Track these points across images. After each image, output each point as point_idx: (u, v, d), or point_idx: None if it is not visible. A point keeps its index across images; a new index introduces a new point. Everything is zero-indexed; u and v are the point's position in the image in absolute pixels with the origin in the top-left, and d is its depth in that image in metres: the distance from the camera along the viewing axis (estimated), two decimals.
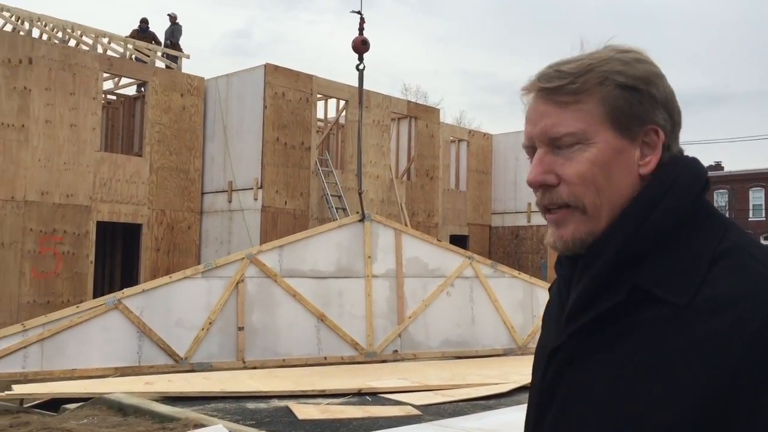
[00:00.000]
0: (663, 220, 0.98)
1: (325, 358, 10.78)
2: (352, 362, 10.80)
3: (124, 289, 9.97)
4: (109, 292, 12.72)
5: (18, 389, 7.69)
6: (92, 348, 9.22)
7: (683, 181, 1.01)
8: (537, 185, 1.03)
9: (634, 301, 0.96)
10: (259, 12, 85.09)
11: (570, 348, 1.01)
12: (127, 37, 17.41)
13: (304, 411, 7.04)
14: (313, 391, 8.06)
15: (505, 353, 12.19)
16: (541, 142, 1.02)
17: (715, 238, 0.97)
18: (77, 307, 9.44)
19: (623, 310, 0.96)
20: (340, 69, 34.75)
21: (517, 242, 21.62)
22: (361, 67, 12.64)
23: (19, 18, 15.60)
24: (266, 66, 15.79)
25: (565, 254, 1.05)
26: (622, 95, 0.99)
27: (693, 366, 0.88)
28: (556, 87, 1.01)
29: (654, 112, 1.01)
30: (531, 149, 1.06)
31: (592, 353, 0.98)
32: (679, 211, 0.99)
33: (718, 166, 47.07)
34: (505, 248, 21.69)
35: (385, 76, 65.57)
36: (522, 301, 12.63)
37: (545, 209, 1.04)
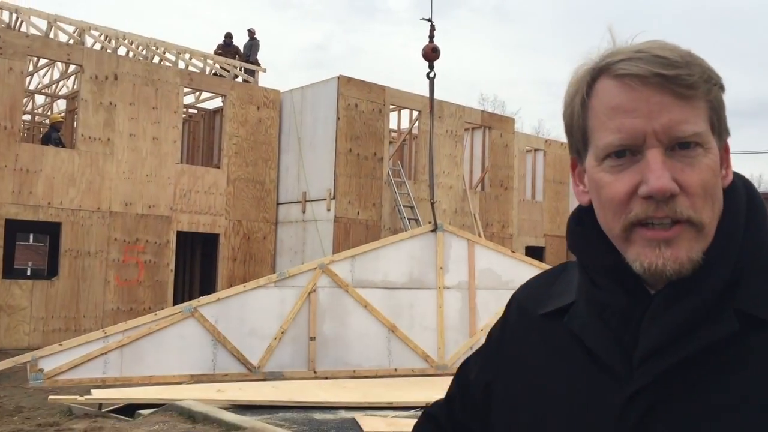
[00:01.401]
0: (759, 242, 0.88)
1: (396, 369, 10.72)
2: (423, 375, 10.70)
3: (200, 298, 10.21)
4: (189, 300, 13.09)
5: (96, 394, 7.96)
6: (169, 355, 9.45)
7: (759, 196, 0.91)
8: (666, 194, 0.83)
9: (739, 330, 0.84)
10: (336, 25, 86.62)
11: (659, 389, 0.85)
12: (215, 51, 18.06)
13: (370, 423, 6.99)
14: (380, 403, 8.01)
15: None
16: (659, 141, 0.84)
17: None
18: (155, 314, 9.72)
19: (724, 342, 0.84)
20: (416, 79, 34.82)
21: None
22: (431, 75, 12.55)
23: (107, 36, 16.33)
24: (339, 78, 15.96)
25: (669, 279, 0.86)
26: (721, 99, 0.88)
27: None
28: (676, 76, 0.84)
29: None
30: (621, 150, 0.87)
31: (689, 392, 0.84)
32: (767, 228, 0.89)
33: None
34: None
35: (462, 86, 65.38)
36: None
37: (640, 224, 0.86)
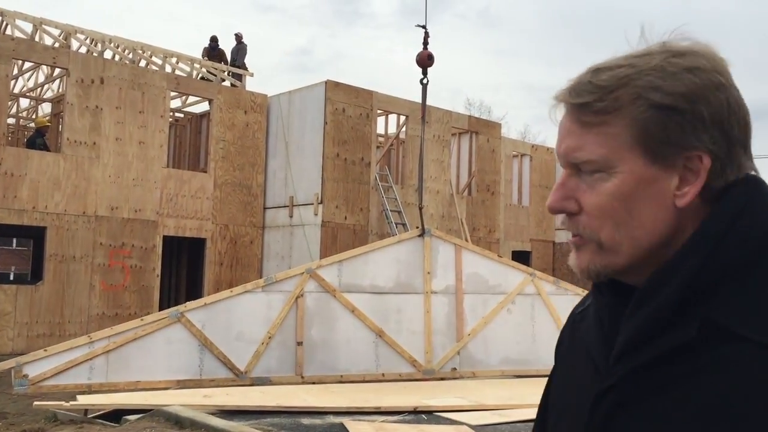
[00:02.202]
0: (738, 249, 0.85)
1: (383, 374, 10.72)
2: (410, 379, 10.71)
3: (187, 303, 10.16)
4: (175, 305, 13.02)
5: (82, 400, 7.90)
6: (156, 360, 9.40)
7: (758, 204, 0.88)
8: (554, 212, 0.94)
9: (703, 337, 0.84)
10: (320, 29, 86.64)
11: (623, 389, 0.88)
12: (202, 53, 18.05)
13: (358, 428, 6.99)
14: (368, 408, 8.00)
15: None
16: (565, 163, 0.93)
17: None
18: (142, 319, 9.66)
19: (689, 348, 0.84)
20: (400, 84, 34.91)
21: None
22: (425, 81, 12.58)
23: (93, 40, 16.25)
24: (327, 82, 15.97)
25: (600, 280, 0.95)
26: (654, 117, 0.86)
27: None
28: (584, 104, 0.89)
29: (699, 135, 0.86)
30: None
31: (650, 396, 0.86)
32: (756, 238, 0.86)
33: None
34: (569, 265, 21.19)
35: (447, 91, 65.52)
36: None
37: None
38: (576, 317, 1.09)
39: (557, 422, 1.03)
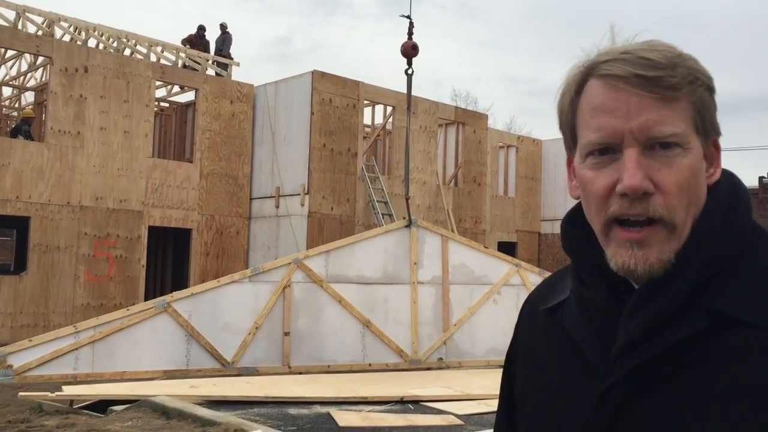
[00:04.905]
0: (733, 243, 0.89)
1: (370, 364, 10.76)
2: (397, 369, 10.75)
3: (173, 293, 10.13)
4: (160, 296, 12.97)
5: (68, 390, 7.86)
6: (142, 350, 9.38)
7: (744, 194, 0.92)
8: (639, 192, 0.86)
9: (708, 327, 0.86)
10: (299, 19, 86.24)
11: (629, 385, 0.88)
12: (182, 40, 17.87)
13: (345, 418, 7.02)
14: (355, 398, 8.03)
15: None
16: (636, 141, 0.87)
17: None
18: (128, 309, 9.62)
19: (695, 338, 0.86)
20: (382, 74, 34.76)
21: None
22: (410, 71, 12.58)
23: (77, 28, 16.07)
24: (313, 73, 15.91)
25: (642, 278, 0.89)
26: (709, 98, 0.90)
27: None
28: (656, 77, 0.86)
29: (717, 120, 0.93)
30: (603, 147, 0.90)
31: (659, 388, 0.87)
32: (749, 226, 0.90)
33: None
34: (555, 255, 21.38)
35: (429, 82, 65.40)
36: None
37: (616, 222, 0.89)
38: (548, 310, 1.05)
39: (536, 414, 1.01)
